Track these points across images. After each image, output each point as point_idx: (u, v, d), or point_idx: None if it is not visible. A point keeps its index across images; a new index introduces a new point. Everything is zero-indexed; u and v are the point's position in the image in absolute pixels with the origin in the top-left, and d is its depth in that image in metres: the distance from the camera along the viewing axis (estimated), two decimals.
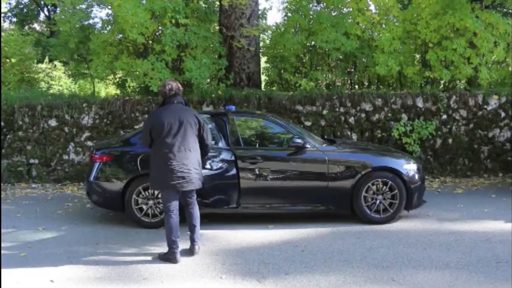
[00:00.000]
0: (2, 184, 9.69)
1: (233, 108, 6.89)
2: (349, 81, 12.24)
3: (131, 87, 12.30)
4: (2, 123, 9.97)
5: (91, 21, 12.83)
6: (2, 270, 4.82)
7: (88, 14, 12.90)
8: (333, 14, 11.46)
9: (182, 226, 5.31)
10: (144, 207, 6.39)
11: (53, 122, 10.03)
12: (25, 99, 10.21)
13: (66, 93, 12.64)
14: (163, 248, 5.35)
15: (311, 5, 12.41)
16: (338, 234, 5.97)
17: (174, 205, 5.11)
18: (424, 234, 5.93)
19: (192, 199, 5.26)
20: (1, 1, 15.78)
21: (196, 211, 5.30)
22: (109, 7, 11.76)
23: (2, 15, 19.11)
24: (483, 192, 8.49)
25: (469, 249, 5.29)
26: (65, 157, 10.01)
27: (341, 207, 6.46)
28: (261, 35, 12.46)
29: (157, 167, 5.07)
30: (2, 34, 13.63)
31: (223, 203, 6.29)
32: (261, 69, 12.44)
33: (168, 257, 5.08)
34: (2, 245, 5.69)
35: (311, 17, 11.44)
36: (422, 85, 11.08)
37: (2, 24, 16.81)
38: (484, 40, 10.08)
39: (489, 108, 10.07)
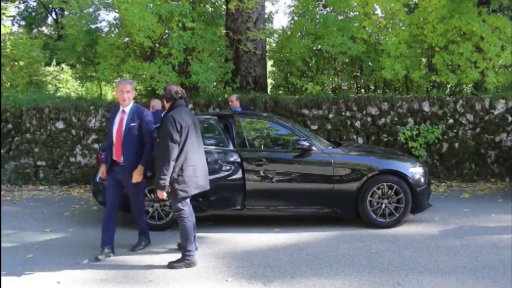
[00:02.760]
0: (9, 186, 9.77)
1: (239, 109, 6.90)
2: (355, 85, 12.24)
3: (138, 90, 12.36)
4: (10, 126, 10.04)
5: (98, 25, 12.94)
6: (9, 271, 4.87)
7: (95, 17, 13.03)
8: (339, 18, 11.49)
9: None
10: (150, 209, 6.41)
11: (60, 125, 10.08)
12: (33, 101, 10.29)
13: (73, 96, 12.70)
14: (169, 251, 5.39)
15: (317, 9, 12.43)
16: (344, 238, 5.96)
17: (190, 209, 5.08)
18: (430, 238, 5.91)
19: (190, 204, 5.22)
20: (10, 4, 15.90)
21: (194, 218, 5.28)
22: (116, 10, 11.87)
23: (11, 18, 19.25)
24: (489, 197, 8.45)
25: (475, 254, 5.27)
26: (72, 159, 10.07)
27: (347, 209, 6.44)
28: (268, 38, 12.49)
29: (184, 170, 4.91)
30: (11, 37, 13.74)
31: (228, 205, 6.32)
32: (268, 73, 12.47)
33: (188, 262, 4.97)
34: (10, 246, 5.74)
35: (317, 21, 11.47)
36: (429, 89, 11.06)
37: (11, 27, 16.93)
38: (491, 44, 10.07)
39: (496, 112, 10.03)
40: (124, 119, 5.25)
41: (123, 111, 5.29)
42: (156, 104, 8.76)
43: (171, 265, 4.99)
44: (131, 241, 5.96)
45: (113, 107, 10.14)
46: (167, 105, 5.17)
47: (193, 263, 5.00)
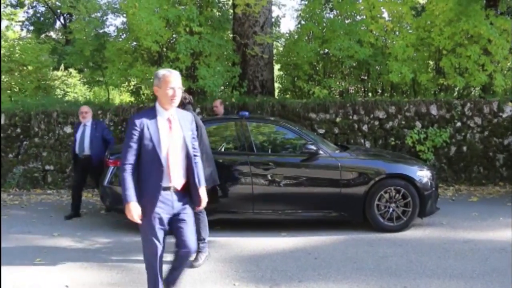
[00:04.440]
0: (18, 190, 9.84)
1: (246, 114, 6.91)
2: (362, 89, 12.22)
3: (145, 95, 12.40)
4: (19, 130, 10.12)
5: (106, 29, 13.03)
6: (18, 274, 4.91)
7: (103, 22, 13.10)
8: (346, 21, 11.48)
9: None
10: None
11: (68, 129, 10.13)
12: (41, 106, 10.37)
13: (81, 100, 12.79)
14: None
15: (324, 13, 12.41)
16: (352, 242, 5.95)
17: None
18: (438, 242, 5.88)
19: None
20: (19, 9, 16.03)
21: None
22: (124, 15, 11.93)
23: (20, 23, 19.41)
24: (498, 201, 8.40)
25: (484, 258, 5.24)
26: None
27: (354, 213, 6.43)
28: (275, 42, 12.50)
29: (207, 167, 5.26)
30: (20, 42, 13.86)
31: (236, 208, 6.35)
32: (275, 77, 12.47)
33: (205, 254, 5.27)
34: (18, 250, 5.78)
35: (324, 24, 11.48)
36: (436, 92, 11.02)
37: (19, 32, 17.08)
38: (499, 47, 10.02)
39: (504, 115, 9.97)
40: (176, 128, 3.69)
41: (171, 117, 3.72)
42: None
43: (193, 265, 5.08)
44: (139, 245, 5.97)
45: (120, 112, 10.18)
46: None
47: (209, 253, 5.32)
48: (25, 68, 13.09)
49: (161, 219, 3.59)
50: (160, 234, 3.63)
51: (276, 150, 6.85)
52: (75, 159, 7.76)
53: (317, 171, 6.41)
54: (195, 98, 10.42)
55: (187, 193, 3.74)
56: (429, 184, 6.48)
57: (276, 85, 12.84)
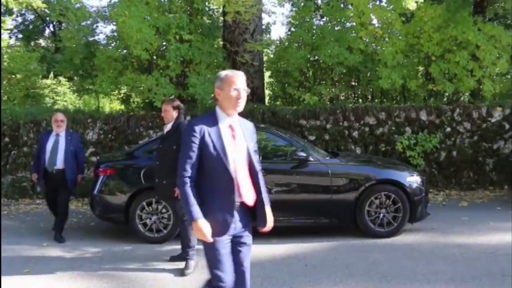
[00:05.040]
0: (6, 200, 9.74)
1: None
2: (352, 95, 12.27)
3: (136, 103, 12.37)
4: (7, 139, 10.03)
5: (96, 37, 13.00)
6: (6, 285, 4.84)
7: (93, 30, 13.07)
8: (336, 28, 11.55)
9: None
10: (148, 222, 6.39)
11: None
12: (30, 114, 10.28)
13: (71, 108, 12.72)
14: (169, 263, 5.37)
15: (314, 20, 12.46)
16: (342, 248, 5.94)
17: None
18: (428, 247, 5.89)
19: None
20: (7, 17, 15.95)
21: None
22: (114, 23, 11.90)
23: (8, 31, 19.33)
24: (488, 205, 8.45)
25: (474, 262, 5.25)
26: None
27: (345, 219, 6.44)
28: (265, 49, 12.53)
29: None
30: (8, 50, 13.78)
31: None
32: (265, 84, 12.49)
33: (195, 260, 5.21)
34: (6, 260, 5.71)
35: (314, 31, 11.53)
36: (426, 98, 11.09)
37: (8, 40, 16.99)
38: (487, 53, 10.12)
39: (493, 120, 10.05)
40: (239, 138, 3.28)
41: (233, 124, 3.30)
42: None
43: (184, 273, 5.07)
44: (129, 254, 5.94)
45: (110, 120, 10.14)
46: (174, 114, 5.44)
47: (197, 261, 5.19)
48: (13, 76, 13.02)
49: (224, 241, 3.08)
50: (227, 258, 3.08)
51: (267, 157, 6.81)
52: (43, 173, 6.74)
53: (307, 177, 6.41)
54: (185, 106, 10.40)
55: (250, 212, 3.30)
56: (419, 189, 6.50)
57: (267, 92, 12.86)
